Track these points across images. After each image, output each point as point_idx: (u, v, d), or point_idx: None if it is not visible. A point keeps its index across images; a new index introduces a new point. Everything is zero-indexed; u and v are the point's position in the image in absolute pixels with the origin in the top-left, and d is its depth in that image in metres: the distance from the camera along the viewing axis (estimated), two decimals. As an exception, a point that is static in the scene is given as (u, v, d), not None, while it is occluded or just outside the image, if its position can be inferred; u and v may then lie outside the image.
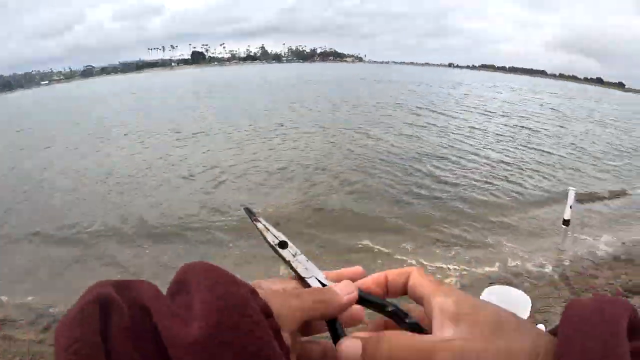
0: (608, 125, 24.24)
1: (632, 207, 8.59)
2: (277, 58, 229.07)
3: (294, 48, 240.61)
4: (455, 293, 0.36)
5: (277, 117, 17.97)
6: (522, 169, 10.83)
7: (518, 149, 13.60)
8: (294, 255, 0.41)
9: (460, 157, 11.61)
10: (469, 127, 17.44)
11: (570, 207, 6.66)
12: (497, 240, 6.31)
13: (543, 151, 13.50)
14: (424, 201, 7.91)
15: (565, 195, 6.83)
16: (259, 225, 0.43)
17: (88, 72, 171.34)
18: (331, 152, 11.79)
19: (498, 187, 9.13)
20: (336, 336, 0.36)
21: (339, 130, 14.93)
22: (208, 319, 0.27)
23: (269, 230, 0.43)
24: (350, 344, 0.34)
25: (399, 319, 0.38)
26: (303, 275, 0.40)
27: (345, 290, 0.38)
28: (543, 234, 6.72)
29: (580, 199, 8.15)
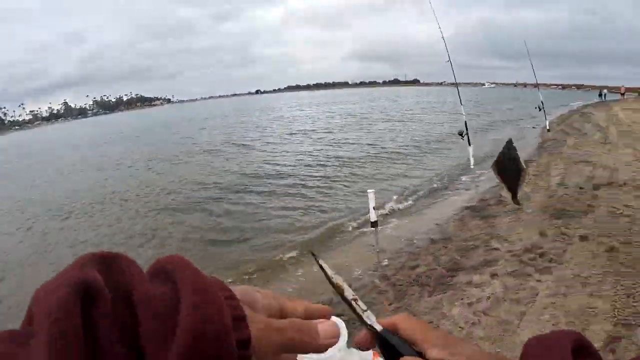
0: (405, 120, 28.26)
1: (435, 192, 9.30)
2: (83, 112, 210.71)
3: (99, 99, 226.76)
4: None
5: (61, 189, 14.43)
6: (323, 186, 10.88)
7: (320, 164, 13.79)
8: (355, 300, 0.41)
9: (258, 188, 11.24)
10: (270, 153, 17.37)
11: (374, 208, 6.64)
12: (305, 265, 5.75)
13: (345, 160, 14.03)
14: (226, 246, 7.23)
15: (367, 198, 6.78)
16: (324, 265, 0.41)
17: None
18: (119, 217, 9.86)
19: (300, 210, 8.91)
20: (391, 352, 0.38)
21: (125, 191, 12.79)
22: (185, 350, 0.25)
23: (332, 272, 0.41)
24: None
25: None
26: (366, 321, 0.40)
27: (328, 334, 0.34)
28: (355, 243, 6.54)
29: (384, 197, 8.55)
